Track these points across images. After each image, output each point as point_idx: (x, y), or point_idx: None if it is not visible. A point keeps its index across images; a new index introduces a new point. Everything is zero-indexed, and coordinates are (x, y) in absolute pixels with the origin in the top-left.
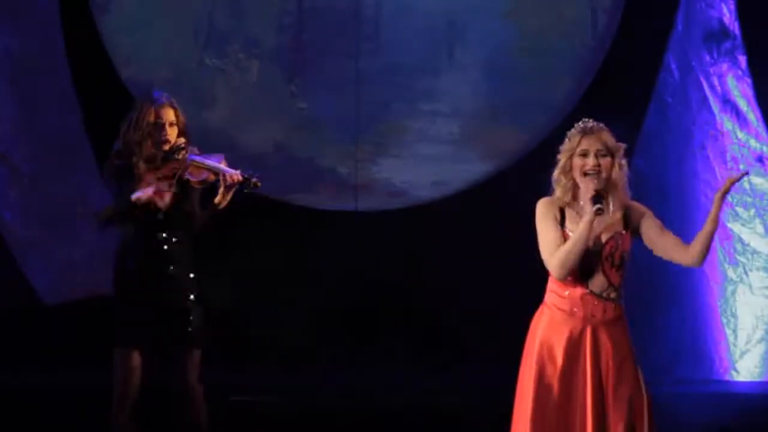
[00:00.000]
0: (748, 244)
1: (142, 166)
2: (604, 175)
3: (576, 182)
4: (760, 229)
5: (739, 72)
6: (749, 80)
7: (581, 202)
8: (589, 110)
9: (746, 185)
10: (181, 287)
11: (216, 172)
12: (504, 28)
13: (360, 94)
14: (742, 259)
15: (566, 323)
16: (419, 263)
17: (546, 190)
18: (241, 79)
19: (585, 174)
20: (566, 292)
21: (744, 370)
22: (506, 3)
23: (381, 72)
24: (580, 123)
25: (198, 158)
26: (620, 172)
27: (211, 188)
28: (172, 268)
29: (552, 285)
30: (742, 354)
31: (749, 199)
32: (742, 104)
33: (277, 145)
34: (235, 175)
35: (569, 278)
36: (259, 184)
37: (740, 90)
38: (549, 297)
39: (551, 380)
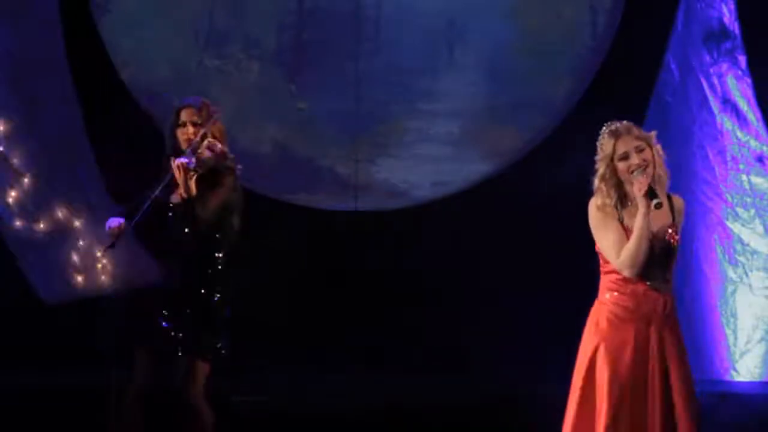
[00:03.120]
0: (747, 244)
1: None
2: (650, 168)
3: (618, 184)
4: (760, 229)
5: (739, 72)
6: (749, 80)
7: (630, 202)
8: (589, 110)
9: (746, 185)
10: (200, 292)
11: (209, 147)
12: (504, 28)
13: (360, 95)
14: (742, 259)
15: (630, 321)
16: (419, 263)
17: (545, 190)
18: (241, 79)
19: (632, 173)
20: (628, 289)
21: (744, 370)
22: (506, 3)
23: (381, 72)
24: (606, 128)
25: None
26: (660, 159)
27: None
28: (190, 269)
29: (610, 283)
30: (742, 354)
31: (749, 199)
32: (742, 104)
33: (276, 145)
34: (181, 164)
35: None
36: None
37: (740, 90)
38: (609, 295)
39: (623, 379)
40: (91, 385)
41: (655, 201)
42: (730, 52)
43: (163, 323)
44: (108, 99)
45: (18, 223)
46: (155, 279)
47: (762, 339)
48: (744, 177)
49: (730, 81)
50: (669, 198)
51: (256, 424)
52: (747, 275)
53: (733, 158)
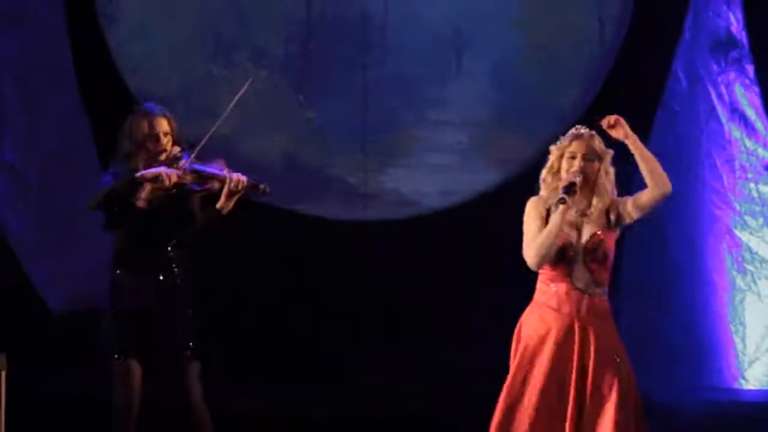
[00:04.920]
0: (756, 253)
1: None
2: (589, 178)
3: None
4: None
5: (747, 81)
6: (757, 89)
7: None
8: (597, 119)
9: (755, 194)
10: (180, 295)
11: (221, 180)
12: (512, 37)
13: (368, 104)
14: (750, 267)
15: (555, 320)
16: (428, 273)
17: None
18: (248, 89)
19: (568, 173)
20: (553, 288)
21: (752, 378)
22: (514, 12)
23: (389, 81)
24: (573, 129)
25: (199, 167)
26: (606, 177)
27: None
28: (171, 273)
29: (540, 283)
30: (751, 362)
31: (758, 208)
32: (750, 113)
33: (285, 154)
34: (242, 181)
35: (555, 274)
36: (267, 190)
37: (748, 99)
38: (537, 294)
39: (540, 376)
40: (97, 393)
41: (560, 197)
42: (738, 61)
43: (160, 329)
44: (116, 109)
45: (26, 233)
46: (106, 296)
47: None
48: (752, 186)
49: (738, 90)
50: (611, 207)
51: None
52: (755, 283)
53: (742, 167)
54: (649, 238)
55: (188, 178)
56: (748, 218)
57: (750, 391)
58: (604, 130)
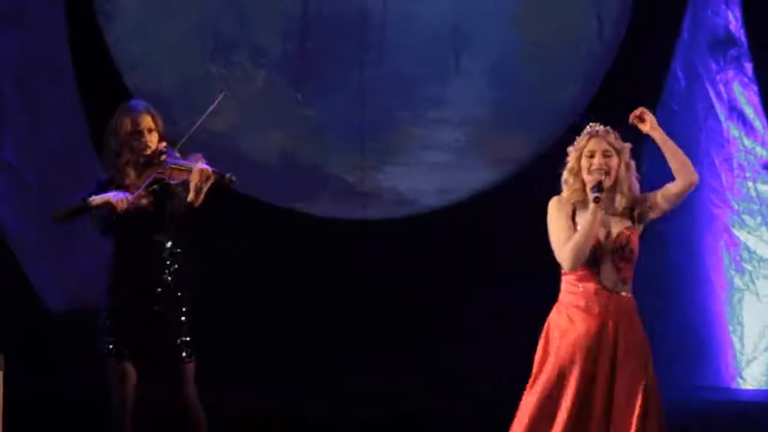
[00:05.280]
0: (754, 252)
1: (131, 173)
2: (611, 173)
3: (584, 183)
4: (766, 236)
5: (746, 79)
6: (755, 87)
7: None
8: (595, 118)
9: (753, 193)
10: (174, 294)
11: (188, 171)
12: (510, 35)
13: (365, 102)
14: (748, 266)
15: (583, 320)
16: (426, 271)
17: (553, 196)
18: (247, 87)
19: (590, 174)
20: (580, 288)
21: (750, 378)
22: (512, 11)
23: (386, 79)
24: (588, 127)
25: (176, 161)
26: (627, 171)
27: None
28: (165, 273)
29: (566, 283)
30: (749, 362)
31: (756, 207)
32: (749, 111)
33: (282, 152)
34: (204, 171)
35: (582, 273)
36: (233, 179)
37: (746, 97)
38: (564, 296)
39: (573, 378)
40: (95, 392)
41: (595, 195)
42: (737, 59)
43: (154, 330)
44: (114, 107)
45: (25, 233)
46: (103, 297)
47: None
48: (750, 184)
49: (737, 88)
50: (635, 203)
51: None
52: (754, 283)
53: (740, 166)
54: (647, 237)
55: (154, 187)
56: (746, 217)
57: (748, 390)
58: (617, 131)
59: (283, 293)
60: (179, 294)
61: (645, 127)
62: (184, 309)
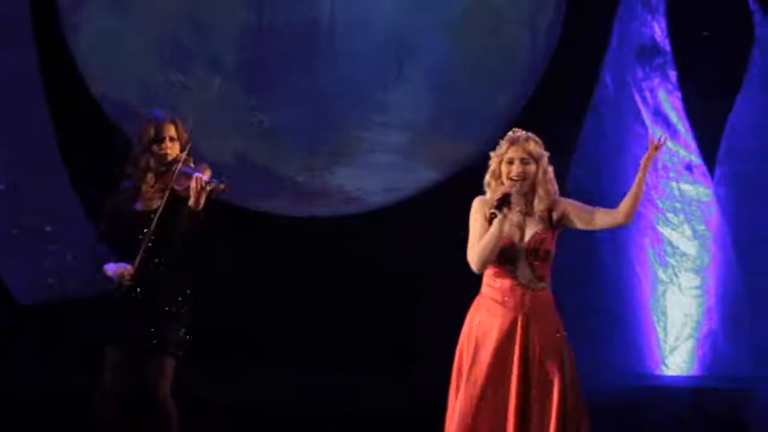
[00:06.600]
0: (677, 247)
1: (149, 179)
2: (527, 181)
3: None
4: (688, 232)
5: (670, 86)
6: (679, 94)
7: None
8: (529, 122)
9: (676, 192)
10: (162, 291)
11: (190, 177)
12: (449, 44)
13: (316, 107)
14: (672, 261)
15: (499, 313)
16: (373, 266)
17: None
18: (204, 94)
19: (510, 179)
20: (497, 284)
21: (673, 365)
22: (452, 21)
23: (335, 85)
24: (509, 133)
25: (186, 170)
26: (544, 177)
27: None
28: (153, 269)
29: (486, 277)
30: (672, 350)
31: (678, 205)
32: (673, 116)
33: (237, 155)
34: (201, 179)
35: (499, 270)
36: (221, 187)
37: (670, 103)
38: (484, 288)
39: (483, 366)
40: (62, 387)
41: (492, 210)
42: (662, 67)
43: (137, 321)
44: (80, 115)
45: None
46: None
47: (690, 336)
48: (674, 184)
49: (661, 95)
50: (553, 208)
51: (219, 421)
52: (677, 276)
53: (664, 167)
54: (576, 234)
55: (166, 193)
56: (669, 215)
57: (671, 376)
58: (539, 132)
59: (237, 288)
60: (166, 290)
61: (648, 159)
62: (168, 306)
